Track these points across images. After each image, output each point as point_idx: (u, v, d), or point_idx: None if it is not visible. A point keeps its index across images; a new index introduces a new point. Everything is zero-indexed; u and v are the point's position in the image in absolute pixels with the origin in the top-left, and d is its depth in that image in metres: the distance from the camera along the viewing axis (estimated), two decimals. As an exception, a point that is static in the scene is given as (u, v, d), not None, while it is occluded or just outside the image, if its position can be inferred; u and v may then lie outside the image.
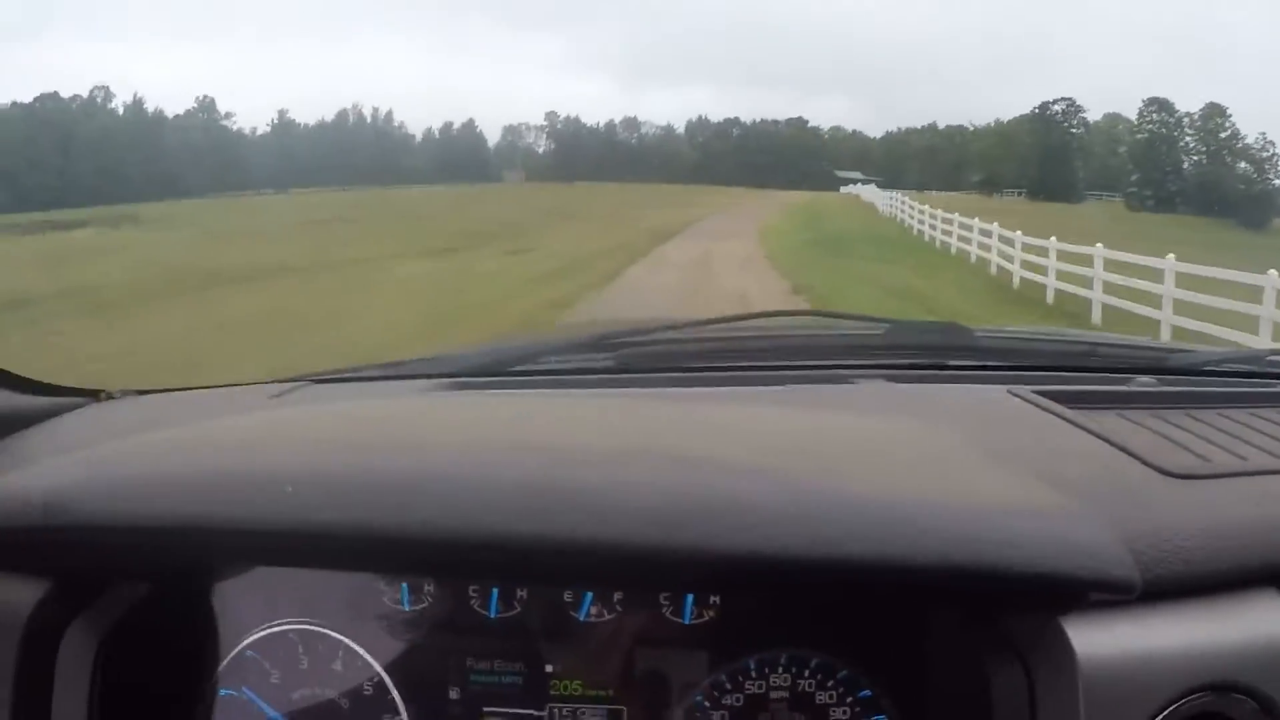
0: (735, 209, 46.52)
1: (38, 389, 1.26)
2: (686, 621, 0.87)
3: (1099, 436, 1.01)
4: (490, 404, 1.10)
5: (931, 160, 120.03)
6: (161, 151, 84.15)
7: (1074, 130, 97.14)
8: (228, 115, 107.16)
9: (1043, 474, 0.85)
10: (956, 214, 23.46)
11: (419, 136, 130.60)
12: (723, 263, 18.97)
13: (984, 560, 0.65)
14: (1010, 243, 17.82)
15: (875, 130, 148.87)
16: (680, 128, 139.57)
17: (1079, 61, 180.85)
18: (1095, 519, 0.73)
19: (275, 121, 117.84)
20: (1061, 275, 15.36)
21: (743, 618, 0.87)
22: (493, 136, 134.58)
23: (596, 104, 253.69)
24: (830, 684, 0.86)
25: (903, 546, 0.65)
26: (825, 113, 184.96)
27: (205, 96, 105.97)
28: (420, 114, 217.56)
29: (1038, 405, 1.13)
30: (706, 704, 0.87)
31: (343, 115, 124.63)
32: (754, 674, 0.87)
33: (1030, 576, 0.66)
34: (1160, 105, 76.40)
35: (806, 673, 0.87)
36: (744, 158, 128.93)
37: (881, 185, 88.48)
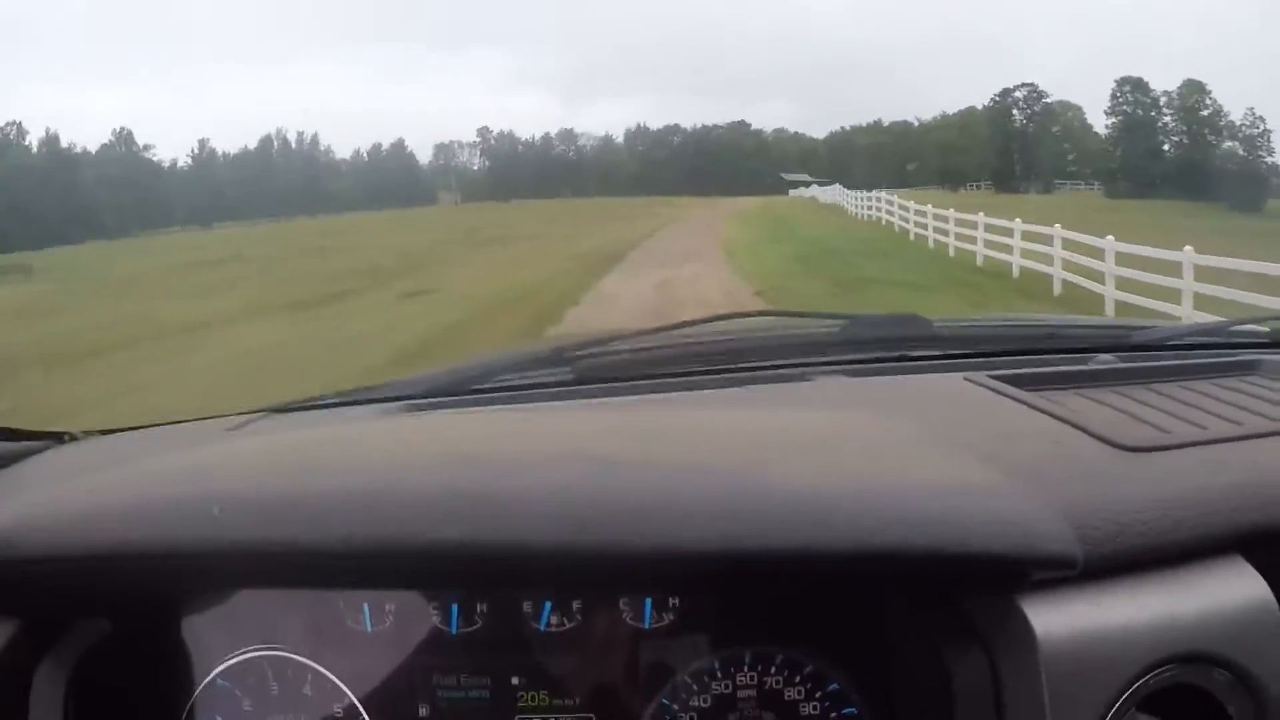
0: (685, 220, 42.31)
1: (2, 435, 1.26)
2: (647, 626, 0.88)
3: (1053, 416, 1.02)
4: (442, 422, 1.10)
5: (878, 157, 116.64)
6: (77, 189, 79.52)
7: (1037, 116, 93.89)
8: (147, 147, 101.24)
9: (991, 456, 0.85)
10: (951, 210, 21.65)
11: (348, 159, 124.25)
12: (696, 306, 13.36)
13: (916, 544, 0.65)
14: (1046, 241, 15.76)
15: (819, 131, 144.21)
16: (619, 137, 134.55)
17: (1021, 52, 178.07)
18: (1029, 495, 0.73)
19: (196, 152, 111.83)
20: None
21: (703, 618, 0.88)
22: (425, 156, 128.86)
23: (532, 118, 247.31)
24: (797, 679, 0.87)
25: (823, 534, 0.65)
26: (768, 117, 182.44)
27: (123, 129, 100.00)
28: (349, 136, 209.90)
29: (993, 389, 1.14)
30: (674, 706, 0.87)
31: (266, 142, 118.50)
32: (719, 674, 0.88)
33: (961, 556, 0.66)
34: (1134, 85, 72.46)
35: (773, 669, 0.88)
36: (686, 165, 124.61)
37: (823, 185, 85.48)
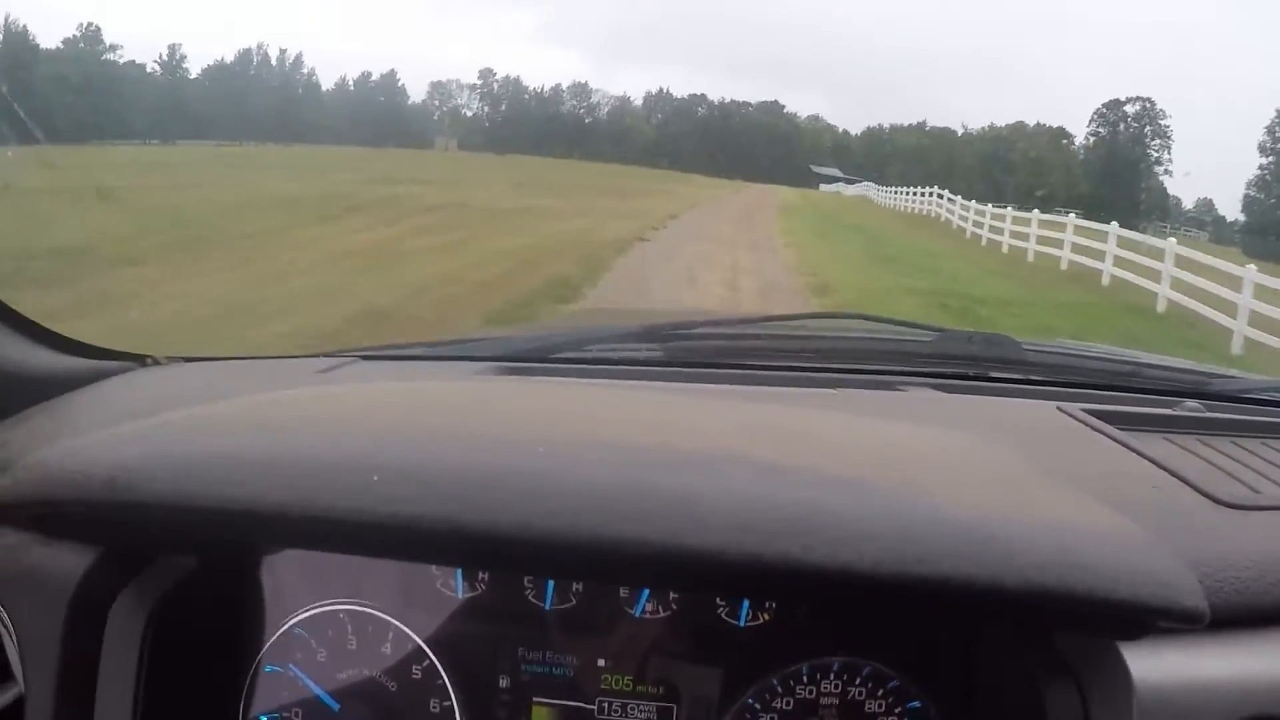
0: (710, 209, 31.18)
1: (83, 350, 1.26)
2: (741, 624, 0.88)
3: (1151, 460, 1.03)
4: (553, 393, 1.09)
5: (918, 161, 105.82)
6: (33, 89, 68.45)
7: (1149, 140, 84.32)
8: (113, 48, 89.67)
9: (1103, 496, 0.84)
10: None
11: (332, 88, 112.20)
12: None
13: (1069, 585, 0.65)
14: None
15: (853, 126, 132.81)
16: (638, 100, 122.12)
17: (1064, 70, 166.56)
18: (1167, 549, 0.73)
19: (165, 59, 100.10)
20: None
21: (797, 623, 0.88)
22: (418, 93, 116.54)
23: (537, 66, 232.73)
24: (880, 693, 0.87)
25: (991, 568, 0.65)
26: (800, 106, 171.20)
27: (90, 24, 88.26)
28: (337, 60, 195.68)
29: (1087, 424, 1.16)
30: (756, 706, 0.87)
31: (245, 56, 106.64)
32: (805, 679, 0.87)
33: (1111, 603, 0.66)
34: None
35: (857, 680, 0.87)
36: (708, 141, 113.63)
37: (851, 181, 75.34)
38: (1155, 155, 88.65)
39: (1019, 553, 0.66)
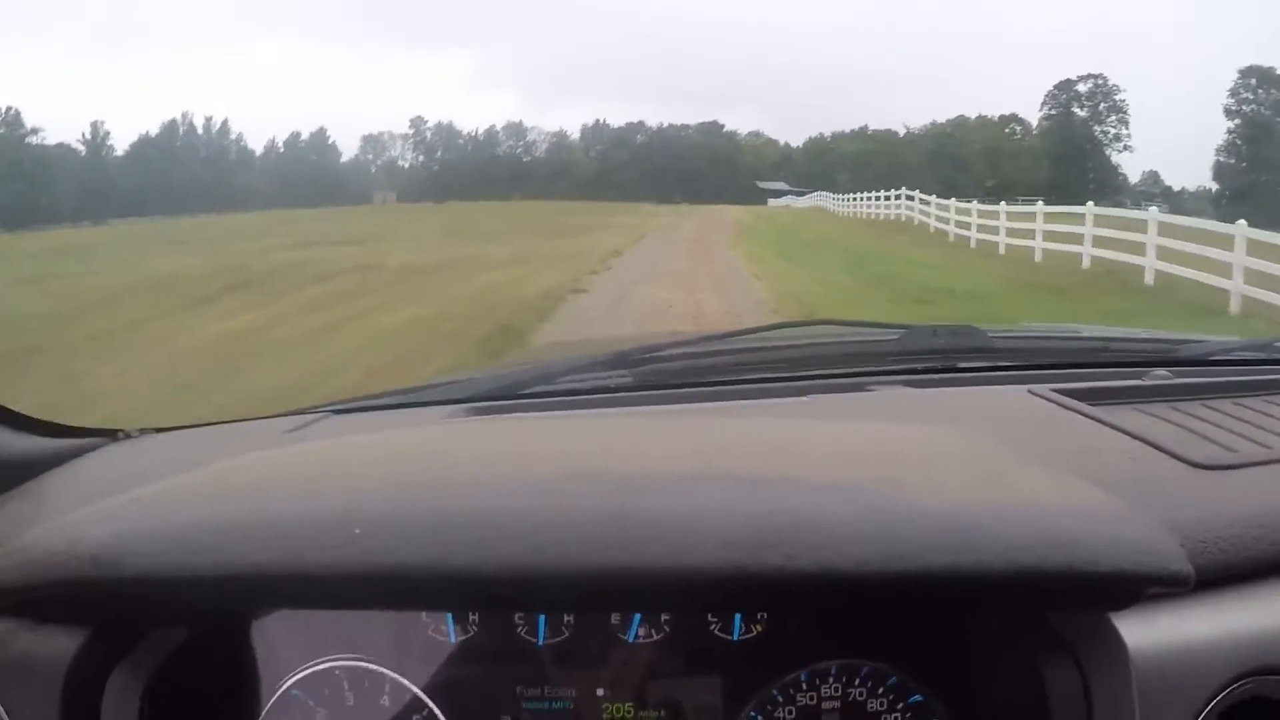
0: (661, 235, 29.79)
1: (54, 430, 1.26)
2: (735, 638, 0.89)
3: (1125, 432, 1.06)
4: (527, 429, 1.10)
5: (864, 166, 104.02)
6: None
7: (1105, 116, 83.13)
8: (34, 131, 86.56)
9: (1079, 473, 0.86)
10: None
11: (260, 150, 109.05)
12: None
13: (1052, 564, 0.67)
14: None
15: (794, 138, 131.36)
16: (575, 134, 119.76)
17: (1002, 59, 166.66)
18: (1147, 515, 0.75)
19: (88, 138, 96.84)
20: None
21: (790, 631, 0.89)
22: (350, 149, 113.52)
23: (472, 110, 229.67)
24: (881, 691, 0.88)
25: (975, 555, 0.66)
26: (739, 124, 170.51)
27: (9, 109, 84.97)
28: (265, 123, 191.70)
29: (1059, 404, 1.18)
30: (759, 718, 0.88)
31: (170, 128, 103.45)
32: (805, 686, 0.88)
33: (1096, 576, 0.68)
34: (1261, 76, 59.25)
35: (857, 681, 0.88)
36: (650, 168, 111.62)
37: (800, 194, 73.74)
38: (1113, 132, 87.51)
39: (1001, 537, 0.67)
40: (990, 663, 0.84)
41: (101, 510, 0.79)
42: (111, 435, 1.32)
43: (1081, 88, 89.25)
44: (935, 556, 0.66)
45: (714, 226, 34.70)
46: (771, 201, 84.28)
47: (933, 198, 25.71)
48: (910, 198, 28.97)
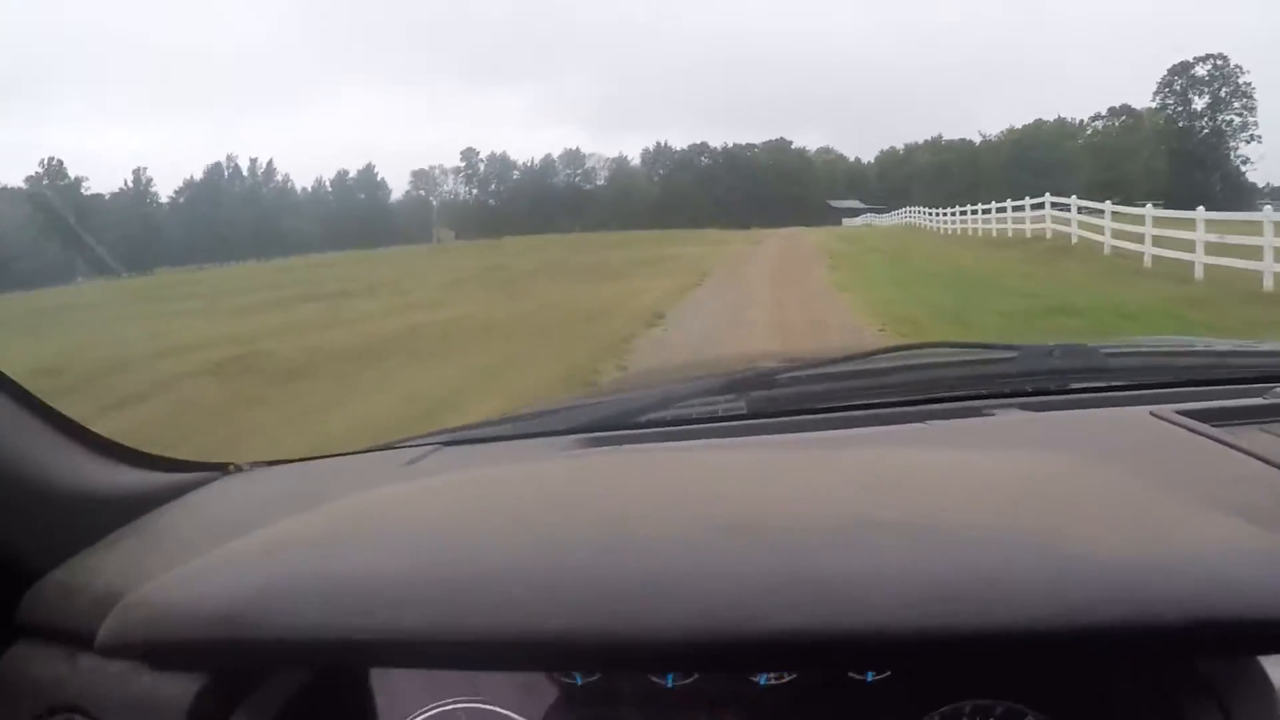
0: (730, 271, 22.63)
1: (163, 464, 1.26)
2: (869, 680, 0.87)
3: (1260, 459, 1.01)
4: (654, 467, 1.06)
5: (942, 178, 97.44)
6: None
7: (1229, 103, 74.78)
8: (78, 180, 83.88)
9: (1221, 504, 0.84)
10: None
11: (308, 189, 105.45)
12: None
13: (1225, 613, 0.65)
14: None
15: (864, 153, 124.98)
16: (635, 159, 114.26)
17: (1066, 70, 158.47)
18: None
19: (131, 185, 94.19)
20: None
21: (924, 672, 0.87)
22: (400, 186, 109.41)
23: (528, 142, 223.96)
24: None
25: (1152, 607, 0.65)
26: (809, 140, 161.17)
27: (53, 159, 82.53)
28: (311, 165, 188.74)
29: (1184, 427, 1.14)
30: None
31: (214, 171, 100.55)
32: None
33: (1265, 623, 0.66)
34: None
35: None
36: (716, 190, 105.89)
37: (879, 211, 68.35)
38: (1240, 120, 78.36)
39: (1172, 587, 0.66)
40: (1132, 704, 0.82)
41: (224, 561, 0.78)
42: (222, 469, 1.31)
43: (1200, 71, 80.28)
44: (1109, 611, 0.64)
45: (796, 255, 27.83)
46: (846, 221, 78.89)
47: (1106, 205, 19.05)
48: (1063, 206, 22.02)
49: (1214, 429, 1.10)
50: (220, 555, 0.80)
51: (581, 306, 14.63)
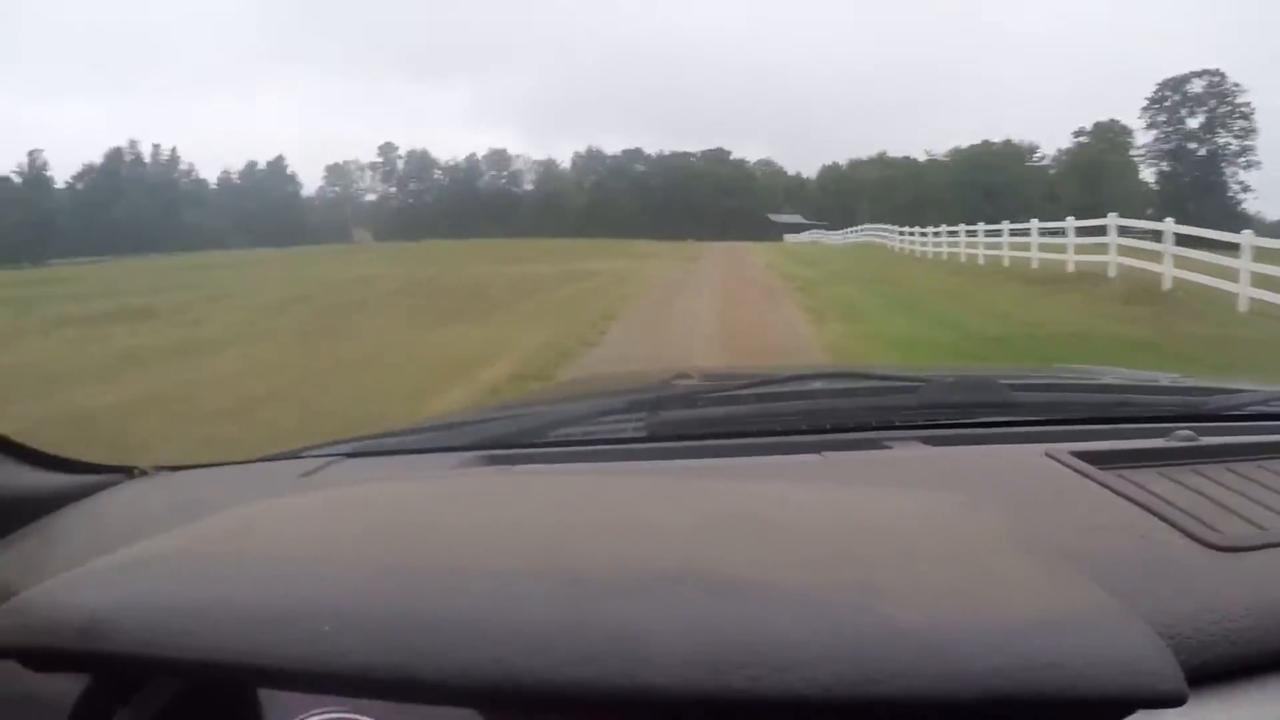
0: (662, 293, 18.24)
1: (69, 466, 1.29)
2: None
3: (1139, 505, 1.04)
4: (525, 495, 1.08)
5: (888, 195, 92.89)
6: None
7: (1228, 121, 69.92)
8: (-37, 162, 76.16)
9: (1082, 556, 0.86)
10: None
11: (213, 182, 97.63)
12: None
13: (1028, 690, 0.66)
14: None
15: (805, 168, 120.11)
16: (566, 162, 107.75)
17: (1017, 93, 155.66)
18: (1139, 624, 0.72)
19: (25, 169, 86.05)
20: None
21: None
22: (313, 181, 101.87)
23: (451, 140, 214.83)
24: None
25: (946, 681, 0.66)
26: (749, 152, 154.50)
27: None
28: (219, 153, 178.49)
29: (1074, 469, 1.17)
30: None
31: (114, 157, 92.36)
32: None
33: (1074, 701, 0.67)
34: None
35: None
36: (650, 200, 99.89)
37: (824, 229, 63.47)
38: (1236, 146, 73.91)
39: (976, 659, 0.66)
40: None
41: (93, 574, 0.80)
42: (127, 472, 1.35)
43: (1195, 87, 76.19)
44: (904, 683, 0.65)
45: (742, 277, 22.68)
46: (789, 237, 74.50)
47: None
48: (1131, 232, 16.37)
49: (1103, 473, 1.12)
50: (94, 566, 0.82)
51: (461, 350, 9.09)
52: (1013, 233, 22.02)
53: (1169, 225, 14.14)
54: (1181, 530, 0.95)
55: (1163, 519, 0.98)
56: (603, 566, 0.80)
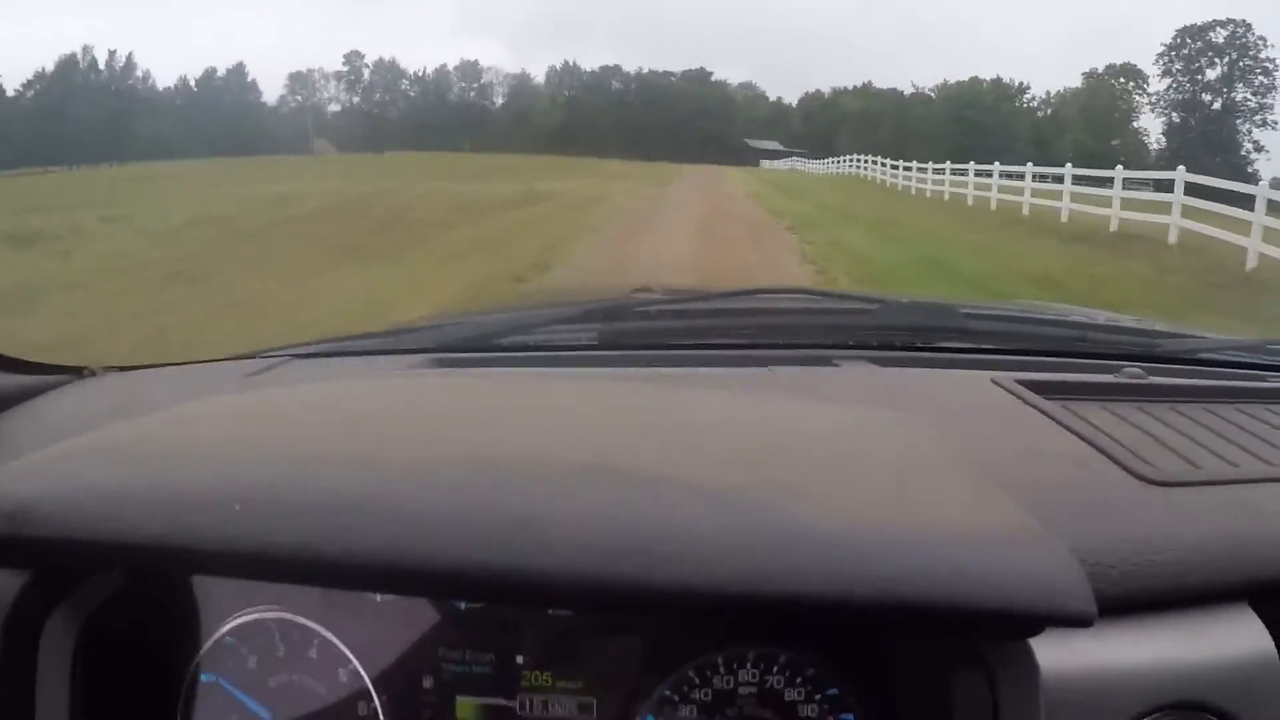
0: (635, 219, 16.77)
1: (19, 367, 1.30)
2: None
3: (1079, 435, 1.04)
4: (466, 394, 1.11)
5: (872, 128, 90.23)
6: None
7: (1249, 74, 66.89)
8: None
9: (1014, 480, 0.86)
10: None
11: (171, 87, 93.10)
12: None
13: (932, 598, 0.66)
14: None
15: (787, 93, 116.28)
16: (540, 77, 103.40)
17: (1010, 28, 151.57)
18: (1055, 545, 0.72)
19: None
20: None
21: (691, 613, 0.89)
22: (273, 90, 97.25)
23: (419, 47, 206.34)
24: (798, 681, 0.87)
25: (843, 583, 0.66)
26: (730, 74, 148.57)
27: None
28: (177, 58, 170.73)
29: (1019, 396, 1.16)
30: (675, 698, 0.88)
31: (68, 63, 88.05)
32: (722, 669, 0.88)
33: (981, 612, 0.67)
34: None
35: (774, 669, 0.88)
36: (627, 119, 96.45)
37: (803, 157, 60.91)
38: (1254, 102, 70.42)
39: (881, 564, 0.66)
40: (907, 665, 0.85)
41: (27, 465, 0.82)
42: (77, 373, 1.35)
43: (1216, 36, 72.51)
44: (800, 582, 0.65)
45: (722, 210, 20.00)
46: (766, 163, 71.62)
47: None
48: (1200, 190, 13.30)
49: (1047, 402, 1.12)
50: (23, 460, 0.83)
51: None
52: (1036, 177, 19.22)
53: (1263, 189, 11.42)
54: (1118, 462, 0.95)
55: (1100, 450, 0.97)
56: (517, 457, 0.80)
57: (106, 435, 0.89)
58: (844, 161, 43.89)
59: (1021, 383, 1.18)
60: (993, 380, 1.20)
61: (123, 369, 1.40)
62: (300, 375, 1.33)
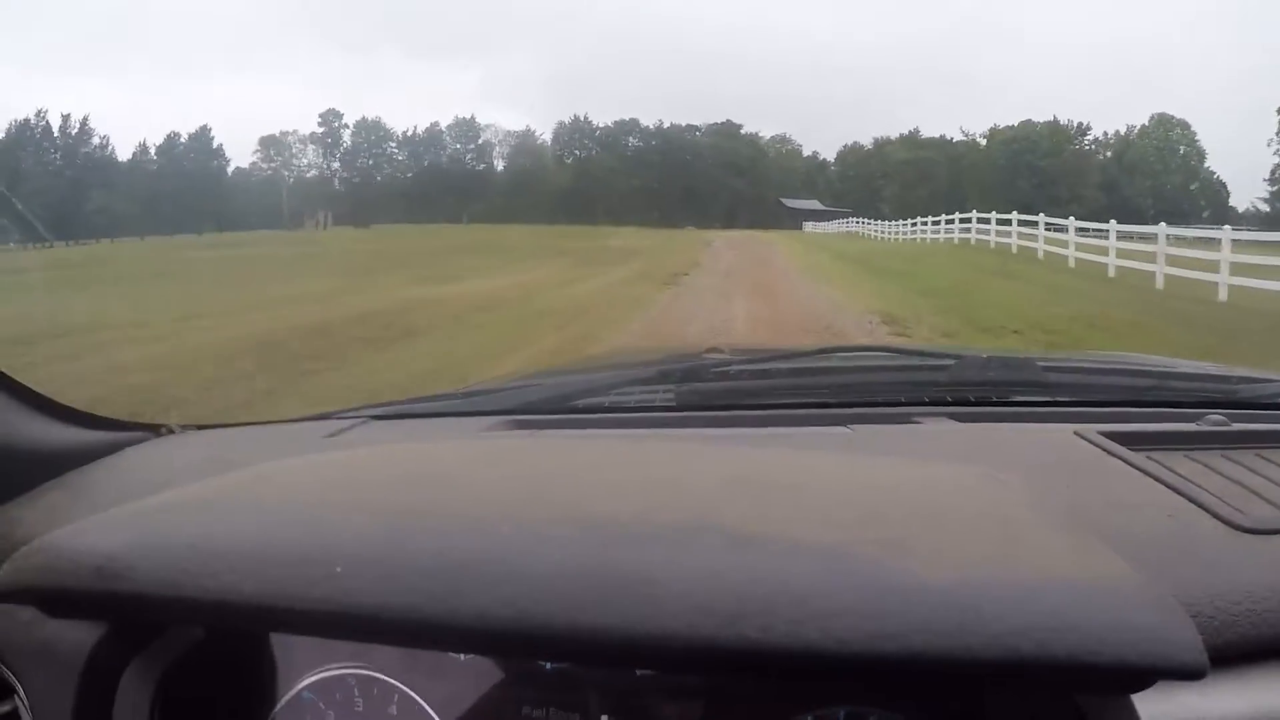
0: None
1: (100, 423, 1.32)
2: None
3: (1167, 485, 1.03)
4: (549, 455, 1.10)
5: (921, 180, 78.46)
6: None
7: None
8: None
9: (1110, 531, 0.87)
10: None
11: (130, 155, 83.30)
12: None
13: (1049, 653, 0.65)
14: None
15: (823, 148, 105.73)
16: (546, 134, 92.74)
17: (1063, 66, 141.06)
18: (1163, 597, 0.71)
19: None
20: None
21: (801, 674, 0.86)
22: (243, 157, 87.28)
23: (409, 103, 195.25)
24: None
25: (966, 639, 0.65)
26: (761, 127, 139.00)
27: None
28: (134, 124, 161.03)
29: (1103, 449, 1.16)
30: None
31: (20, 130, 79.04)
32: None
33: (1094, 666, 0.66)
34: None
35: None
36: (645, 179, 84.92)
37: (845, 218, 50.29)
38: None
39: (997, 620, 0.66)
40: None
41: (114, 518, 0.82)
42: (155, 430, 1.36)
43: None
44: (923, 639, 0.64)
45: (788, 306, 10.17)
46: (809, 225, 60.17)
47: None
48: None
49: (1133, 453, 1.11)
50: (110, 513, 0.83)
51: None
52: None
53: None
54: (1208, 511, 0.94)
55: (1190, 499, 0.97)
56: (623, 516, 0.79)
57: (193, 491, 0.88)
58: (926, 225, 31.91)
59: (1105, 434, 1.17)
60: (1076, 433, 1.19)
61: (200, 427, 1.41)
62: (379, 436, 1.33)
